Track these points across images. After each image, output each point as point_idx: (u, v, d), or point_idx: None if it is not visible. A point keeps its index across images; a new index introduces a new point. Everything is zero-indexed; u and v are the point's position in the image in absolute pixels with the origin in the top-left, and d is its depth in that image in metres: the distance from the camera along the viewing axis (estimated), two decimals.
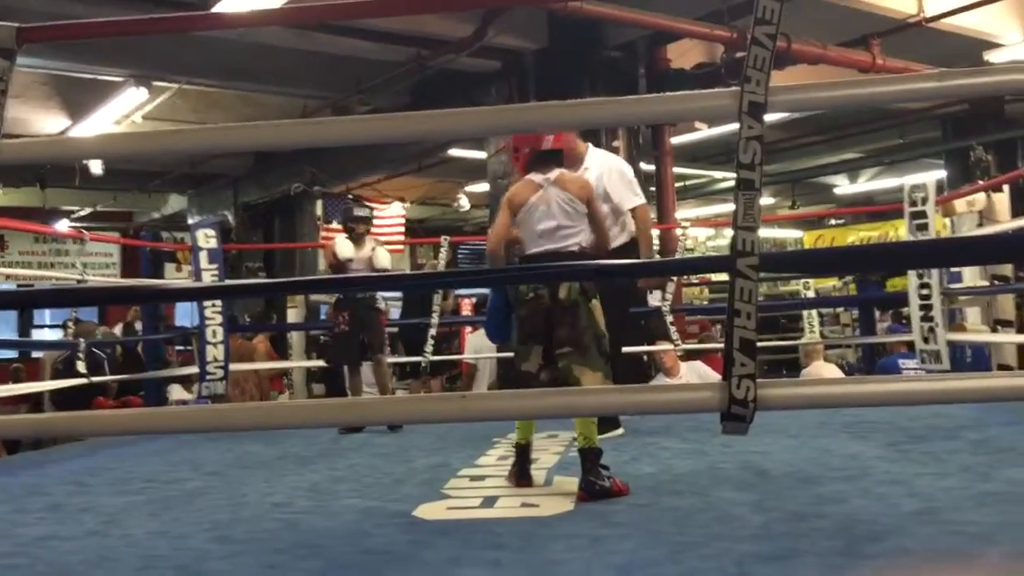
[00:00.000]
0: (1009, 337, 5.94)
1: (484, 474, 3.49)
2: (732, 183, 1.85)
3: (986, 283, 6.06)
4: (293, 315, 11.16)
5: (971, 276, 6.24)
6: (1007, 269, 6.20)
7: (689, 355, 7.19)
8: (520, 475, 3.28)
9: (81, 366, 5.93)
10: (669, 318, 6.62)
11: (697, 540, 2.35)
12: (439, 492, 3.16)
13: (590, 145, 4.63)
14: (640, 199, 4.50)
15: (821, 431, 4.15)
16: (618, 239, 4.40)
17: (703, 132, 10.09)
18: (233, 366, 7.29)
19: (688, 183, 14.09)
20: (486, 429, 4.49)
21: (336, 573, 2.20)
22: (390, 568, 2.22)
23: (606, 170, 4.49)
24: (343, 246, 5.36)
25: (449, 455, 3.94)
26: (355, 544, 2.48)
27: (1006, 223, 5.87)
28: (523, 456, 3.29)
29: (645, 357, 7.26)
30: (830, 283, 11.54)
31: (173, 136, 2.64)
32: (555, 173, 3.27)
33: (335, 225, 13.31)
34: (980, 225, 6.08)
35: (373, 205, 13.46)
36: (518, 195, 3.26)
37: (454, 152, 11.03)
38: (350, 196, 12.64)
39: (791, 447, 3.77)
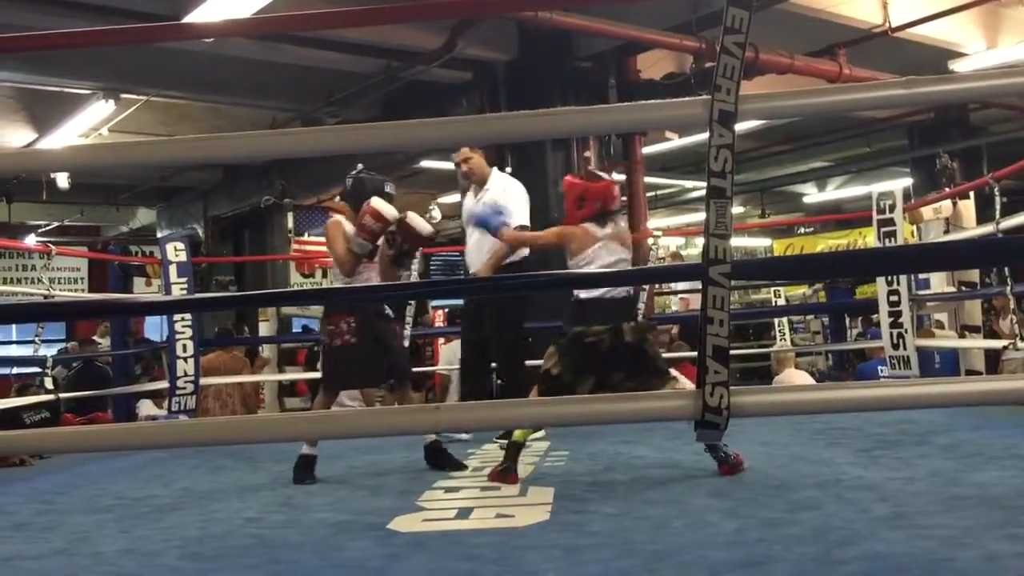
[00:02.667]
0: (976, 342, 6.01)
1: (459, 485, 3.47)
2: (703, 192, 1.85)
3: (953, 289, 6.14)
4: (265, 328, 11.07)
5: (939, 282, 6.32)
6: (974, 275, 6.28)
7: None
8: (506, 471, 3.40)
9: (48, 382, 5.86)
10: None
11: (672, 548, 2.35)
12: (414, 504, 3.14)
13: (495, 170, 5.01)
14: (515, 222, 4.62)
15: (793, 438, 4.18)
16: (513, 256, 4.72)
17: (674, 142, 10.16)
18: (218, 380, 7.23)
19: (659, 193, 14.17)
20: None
21: None
22: None
23: (502, 191, 4.84)
24: (382, 203, 3.91)
25: (424, 467, 3.92)
26: (329, 558, 2.46)
27: (972, 229, 5.95)
28: (516, 454, 3.44)
29: None
30: (800, 291, 11.64)
31: (145, 148, 2.59)
32: (611, 228, 3.58)
33: (307, 237, 13.24)
34: (947, 232, 6.16)
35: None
36: (577, 240, 3.55)
37: (426, 163, 11.01)
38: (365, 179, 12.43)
39: (764, 454, 3.79)
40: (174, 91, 9.13)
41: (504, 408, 2.02)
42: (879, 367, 6.71)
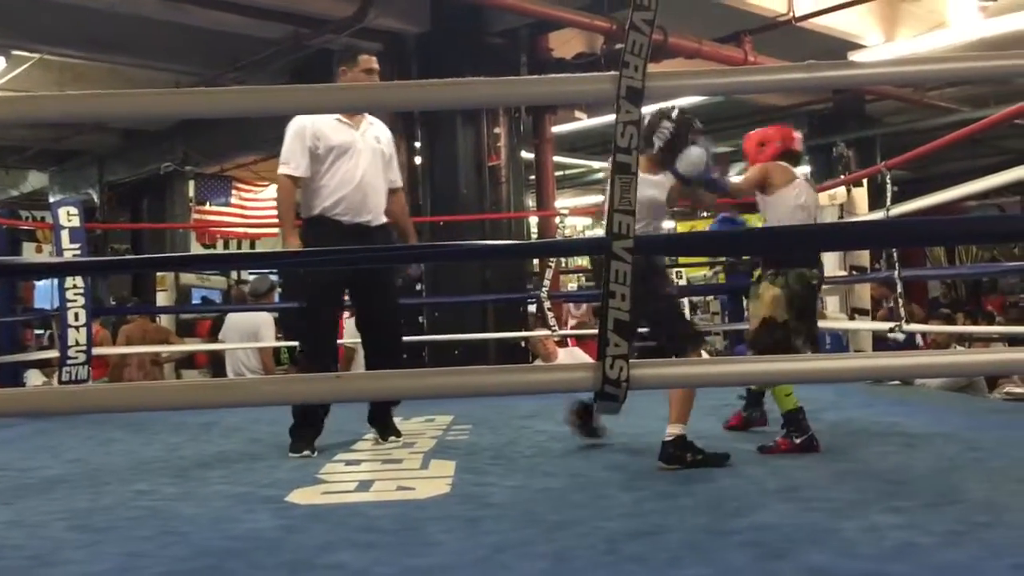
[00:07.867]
0: (865, 324, 6.25)
1: (360, 458, 3.45)
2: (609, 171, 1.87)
3: (844, 273, 6.36)
4: (163, 298, 10.77)
5: (831, 266, 6.53)
6: (864, 259, 6.52)
7: (570, 341, 7.31)
8: (811, 441, 3.28)
9: None
10: (547, 304, 6.70)
11: (570, 519, 2.39)
12: (314, 477, 3.10)
13: None
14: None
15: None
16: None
17: (583, 122, 10.22)
18: (110, 350, 7.01)
19: (567, 172, 14.26)
20: (362, 413, 4.43)
21: (202, 560, 2.13)
22: (259, 553, 2.17)
23: (389, 137, 3.83)
24: None
25: (325, 439, 3.87)
26: (223, 530, 2.42)
27: (864, 215, 6.17)
28: (801, 419, 3.31)
29: (523, 343, 7.35)
30: (701, 273, 11.90)
31: (36, 102, 2.45)
32: (804, 171, 3.76)
33: (208, 207, 12.88)
34: (840, 217, 6.36)
35: (248, 187, 13.11)
36: (776, 173, 3.63)
37: None
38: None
39: (661, 428, 3.86)
40: (70, 50, 8.73)
41: (405, 379, 2.01)
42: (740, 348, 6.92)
